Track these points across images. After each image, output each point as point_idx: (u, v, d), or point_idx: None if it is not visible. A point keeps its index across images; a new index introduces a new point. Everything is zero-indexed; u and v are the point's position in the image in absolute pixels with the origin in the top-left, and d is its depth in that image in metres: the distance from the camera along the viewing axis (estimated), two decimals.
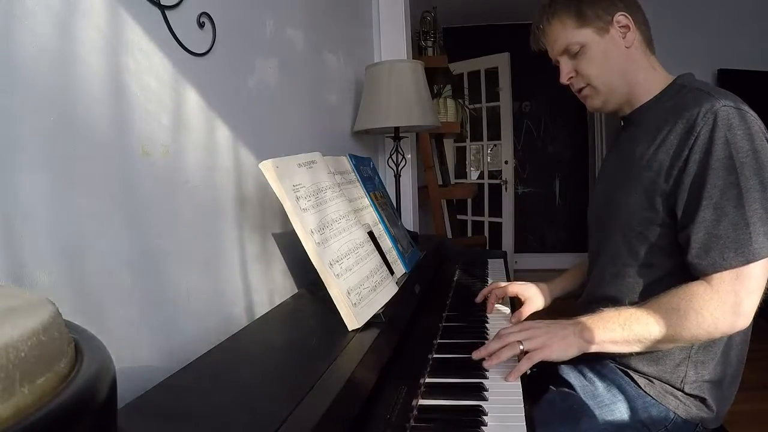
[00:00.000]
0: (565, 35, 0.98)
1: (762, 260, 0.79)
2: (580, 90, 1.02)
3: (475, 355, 0.85)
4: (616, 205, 0.97)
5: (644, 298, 0.90)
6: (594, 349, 0.86)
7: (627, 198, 0.93)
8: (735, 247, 0.79)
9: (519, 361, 0.83)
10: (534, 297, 1.17)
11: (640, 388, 0.93)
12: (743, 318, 0.81)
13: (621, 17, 0.95)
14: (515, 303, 1.21)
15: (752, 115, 0.83)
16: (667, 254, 0.90)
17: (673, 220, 0.87)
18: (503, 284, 1.20)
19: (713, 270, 0.81)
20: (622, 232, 0.95)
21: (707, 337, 0.83)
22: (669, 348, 0.88)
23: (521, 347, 0.84)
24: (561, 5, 0.98)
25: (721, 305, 0.80)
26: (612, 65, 0.97)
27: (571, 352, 0.85)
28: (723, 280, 0.80)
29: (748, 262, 0.79)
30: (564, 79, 1.02)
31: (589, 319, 0.87)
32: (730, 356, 0.91)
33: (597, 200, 1.09)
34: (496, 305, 1.18)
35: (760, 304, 0.82)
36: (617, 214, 0.97)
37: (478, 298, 1.21)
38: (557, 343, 0.84)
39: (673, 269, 0.88)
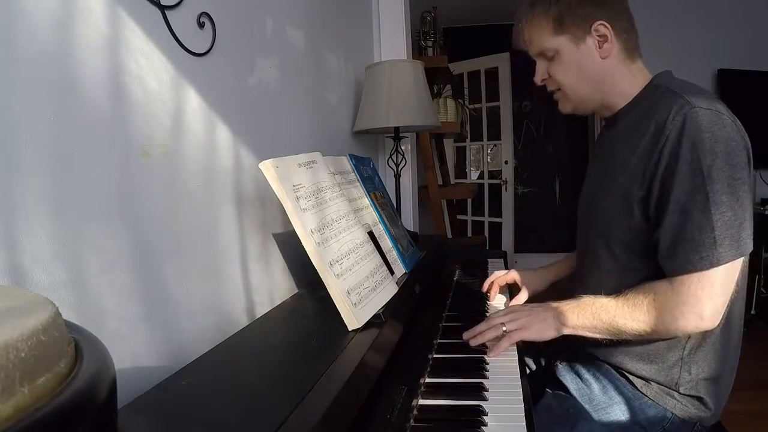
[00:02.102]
0: (541, 40, 0.97)
1: (726, 264, 0.79)
2: (553, 92, 1.02)
3: (465, 335, 0.94)
4: (598, 211, 0.98)
5: None
6: (569, 332, 0.92)
7: (606, 204, 0.94)
8: (700, 251, 0.79)
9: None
10: (531, 282, 1.25)
11: (637, 389, 0.93)
12: (707, 321, 0.81)
13: (600, 26, 0.92)
14: (514, 290, 1.29)
15: (723, 116, 0.81)
16: (647, 258, 0.89)
17: (650, 224, 0.88)
18: (503, 272, 1.28)
19: (678, 272, 0.82)
20: (604, 237, 0.95)
21: (668, 334, 0.86)
22: (640, 339, 0.89)
23: (504, 329, 0.91)
24: (540, 8, 0.96)
25: (680, 306, 0.81)
26: (584, 75, 0.95)
27: (549, 334, 0.92)
28: (684, 282, 0.81)
29: (712, 266, 0.79)
30: (537, 80, 1.02)
31: (568, 305, 0.93)
32: (725, 354, 0.91)
33: (582, 202, 1.10)
34: (497, 295, 1.27)
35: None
36: (598, 220, 0.97)
37: (484, 287, 1.29)
38: (536, 325, 0.92)
39: (654, 272, 0.88)
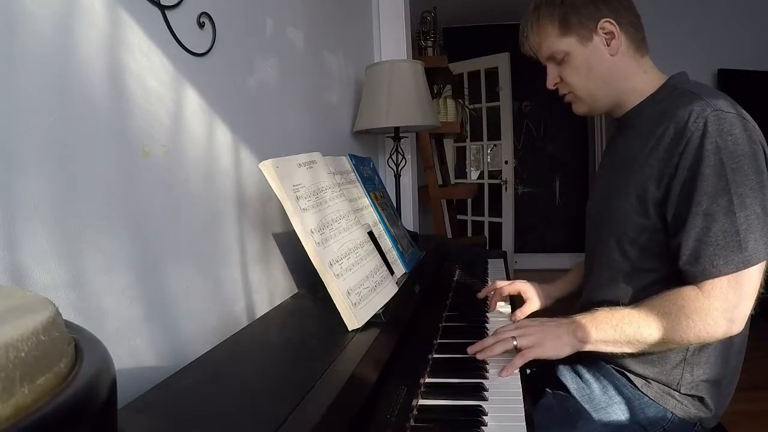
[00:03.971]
0: (549, 43, 0.97)
1: (753, 267, 0.78)
2: (565, 95, 1.02)
3: (470, 349, 0.88)
4: (610, 210, 0.96)
5: (639, 301, 0.89)
6: (587, 348, 0.87)
7: (620, 203, 0.93)
8: (725, 255, 0.78)
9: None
10: (535, 296, 1.19)
11: (638, 388, 0.93)
12: (736, 324, 0.80)
13: (606, 24, 0.92)
14: (516, 301, 1.23)
15: (744, 119, 0.81)
16: (660, 259, 0.89)
17: (666, 226, 0.87)
18: (506, 283, 1.21)
19: (703, 277, 0.80)
20: (616, 237, 0.94)
21: (698, 341, 0.83)
22: (662, 350, 0.88)
23: (515, 343, 0.86)
24: (545, 12, 0.96)
25: (712, 311, 0.80)
26: (595, 74, 0.95)
27: (565, 351, 0.87)
28: (714, 286, 0.80)
29: (738, 269, 0.78)
30: (550, 85, 1.02)
31: (583, 319, 0.88)
32: (729, 356, 0.90)
33: (593, 202, 1.09)
34: (498, 303, 1.20)
35: (760, 303, 0.82)
36: (611, 219, 0.96)
37: (481, 294, 1.23)
38: (550, 342, 0.86)
39: (667, 273, 0.88)
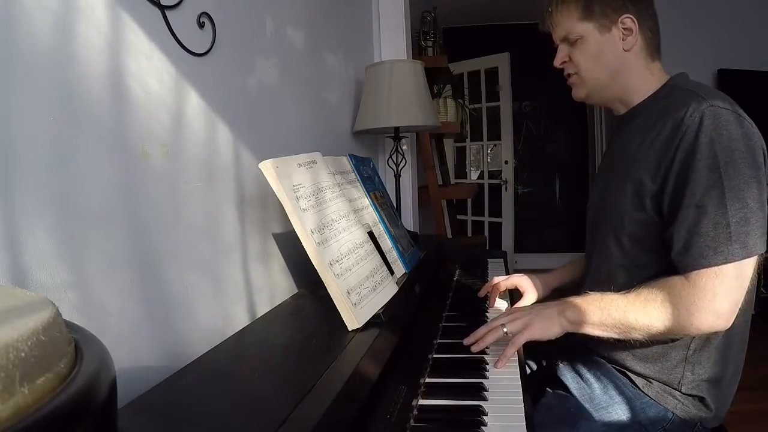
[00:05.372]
0: (568, 24, 0.98)
1: (742, 261, 0.79)
2: (569, 76, 1.03)
3: (465, 341, 0.92)
4: (609, 206, 0.98)
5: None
6: (574, 329, 0.89)
7: (618, 199, 0.94)
8: (714, 246, 0.79)
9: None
10: (532, 288, 1.21)
11: (638, 388, 0.93)
12: (722, 318, 0.80)
13: (627, 20, 0.94)
14: (515, 296, 1.25)
15: (741, 116, 0.82)
16: (658, 254, 0.90)
17: (662, 219, 0.88)
18: (503, 278, 1.23)
19: (693, 268, 0.81)
20: (614, 232, 0.95)
21: (682, 332, 0.84)
22: (650, 340, 0.87)
23: (505, 330, 0.88)
24: None
25: (697, 302, 0.80)
26: (604, 63, 0.97)
27: (554, 331, 0.89)
28: (701, 277, 0.80)
29: (727, 261, 0.78)
30: (557, 63, 1.03)
31: (572, 300, 0.90)
32: (729, 356, 0.90)
33: (593, 200, 1.10)
34: (497, 299, 1.22)
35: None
36: (609, 215, 0.97)
37: (482, 293, 1.25)
38: (539, 323, 0.89)
39: (664, 268, 0.88)
